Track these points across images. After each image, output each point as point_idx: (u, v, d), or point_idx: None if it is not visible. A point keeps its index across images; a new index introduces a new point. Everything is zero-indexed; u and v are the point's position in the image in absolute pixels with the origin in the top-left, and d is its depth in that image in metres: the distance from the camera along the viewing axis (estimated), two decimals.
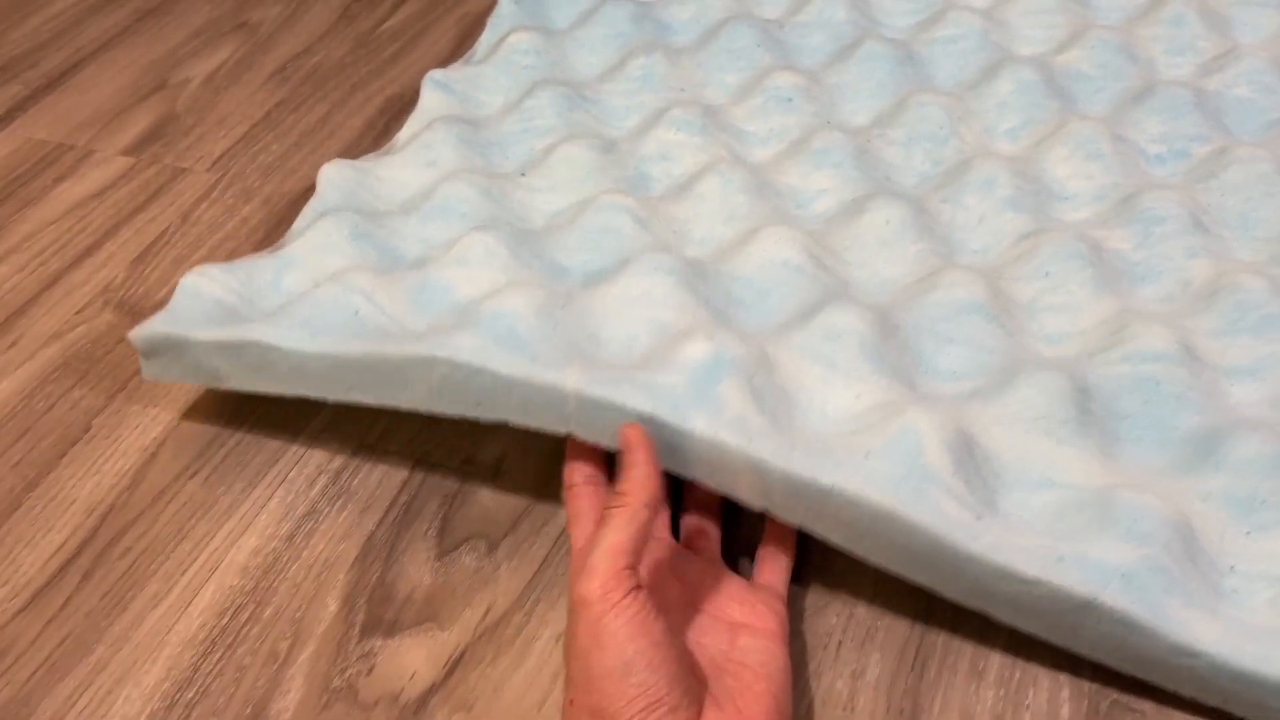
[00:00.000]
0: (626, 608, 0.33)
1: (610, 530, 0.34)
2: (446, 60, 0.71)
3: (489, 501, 0.45)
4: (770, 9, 0.69)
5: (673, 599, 0.38)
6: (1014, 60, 0.61)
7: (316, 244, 0.50)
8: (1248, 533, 0.39)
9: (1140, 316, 0.46)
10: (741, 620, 0.38)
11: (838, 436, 0.40)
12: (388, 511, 0.45)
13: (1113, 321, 0.46)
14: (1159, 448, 0.42)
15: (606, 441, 0.40)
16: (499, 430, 0.43)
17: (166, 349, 0.46)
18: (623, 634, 0.33)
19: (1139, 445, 0.42)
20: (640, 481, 0.36)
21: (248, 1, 0.79)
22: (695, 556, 0.41)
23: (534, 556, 0.43)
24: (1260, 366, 0.45)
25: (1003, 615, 0.39)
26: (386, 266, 0.49)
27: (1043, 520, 0.39)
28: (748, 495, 0.40)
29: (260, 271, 0.49)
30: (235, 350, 0.45)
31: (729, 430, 0.39)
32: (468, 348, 0.41)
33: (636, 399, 0.39)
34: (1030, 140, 0.58)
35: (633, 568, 0.34)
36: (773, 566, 0.41)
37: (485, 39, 0.69)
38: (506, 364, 0.41)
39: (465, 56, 0.69)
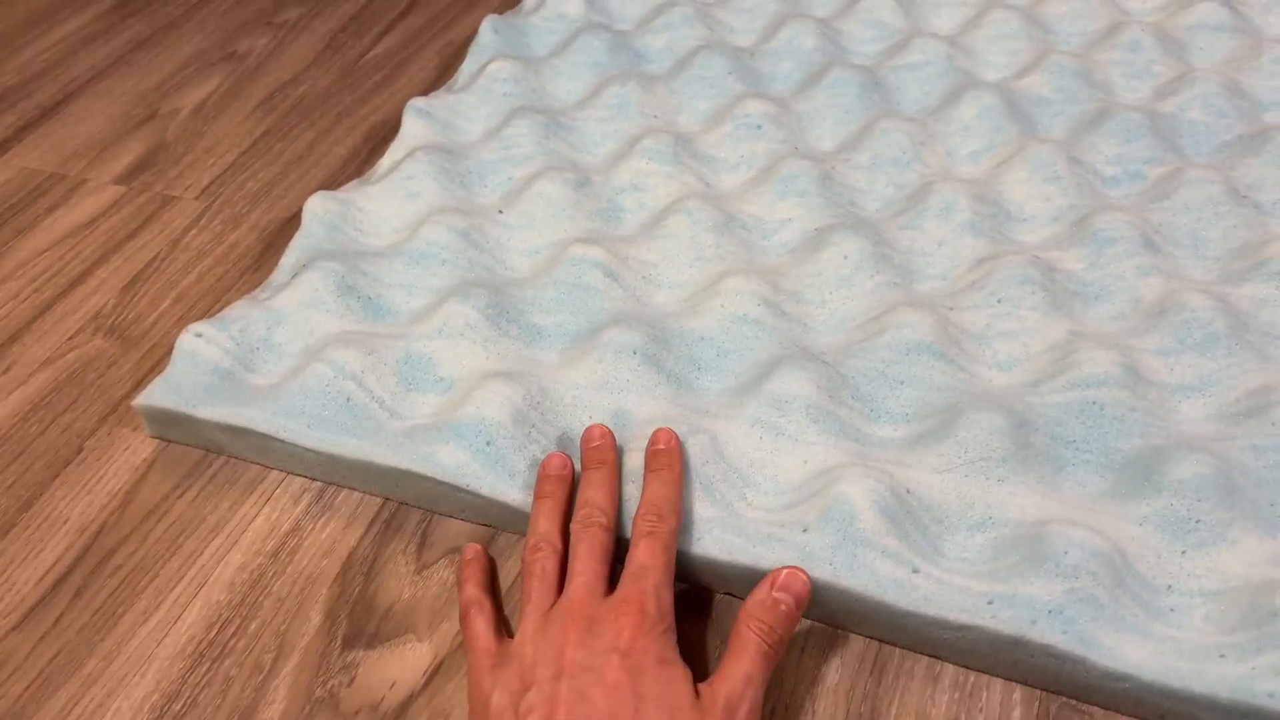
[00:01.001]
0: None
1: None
2: (429, 88, 0.73)
3: (465, 519, 0.47)
4: (742, 37, 0.71)
5: None
6: (976, 85, 0.63)
7: (304, 298, 0.52)
8: (1183, 552, 0.41)
9: (1088, 339, 0.47)
10: None
11: (785, 510, 0.43)
12: (369, 528, 0.46)
13: (1062, 346, 0.48)
14: (1101, 471, 0.44)
15: None
16: None
17: (169, 419, 0.49)
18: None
19: (1084, 469, 0.44)
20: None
21: (236, 33, 0.81)
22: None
23: (508, 571, 0.44)
24: (1205, 383, 0.46)
25: (948, 657, 0.41)
26: (371, 322, 0.51)
27: (983, 559, 0.41)
28: (708, 583, 0.43)
29: (252, 326, 0.51)
30: (235, 431, 0.47)
31: (682, 533, 0.42)
32: (451, 466, 0.44)
33: None
34: (991, 163, 0.59)
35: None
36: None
37: (466, 67, 0.71)
38: (487, 485, 0.44)
39: (447, 84, 0.70)
